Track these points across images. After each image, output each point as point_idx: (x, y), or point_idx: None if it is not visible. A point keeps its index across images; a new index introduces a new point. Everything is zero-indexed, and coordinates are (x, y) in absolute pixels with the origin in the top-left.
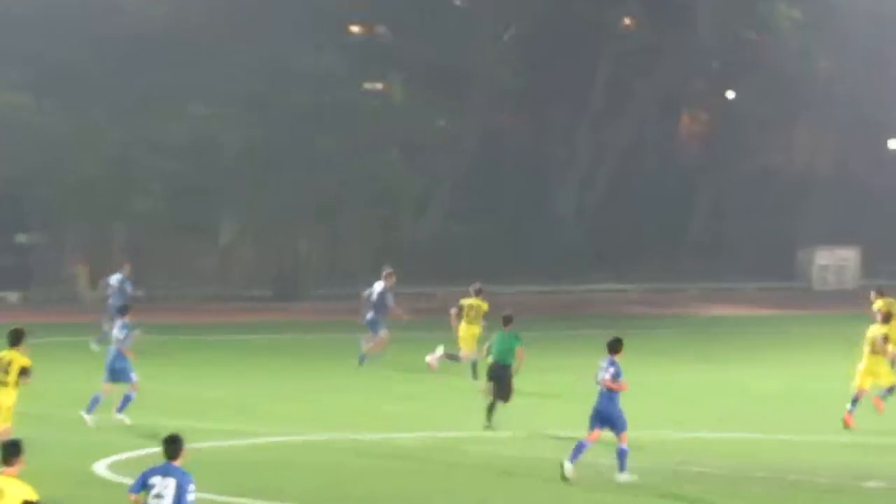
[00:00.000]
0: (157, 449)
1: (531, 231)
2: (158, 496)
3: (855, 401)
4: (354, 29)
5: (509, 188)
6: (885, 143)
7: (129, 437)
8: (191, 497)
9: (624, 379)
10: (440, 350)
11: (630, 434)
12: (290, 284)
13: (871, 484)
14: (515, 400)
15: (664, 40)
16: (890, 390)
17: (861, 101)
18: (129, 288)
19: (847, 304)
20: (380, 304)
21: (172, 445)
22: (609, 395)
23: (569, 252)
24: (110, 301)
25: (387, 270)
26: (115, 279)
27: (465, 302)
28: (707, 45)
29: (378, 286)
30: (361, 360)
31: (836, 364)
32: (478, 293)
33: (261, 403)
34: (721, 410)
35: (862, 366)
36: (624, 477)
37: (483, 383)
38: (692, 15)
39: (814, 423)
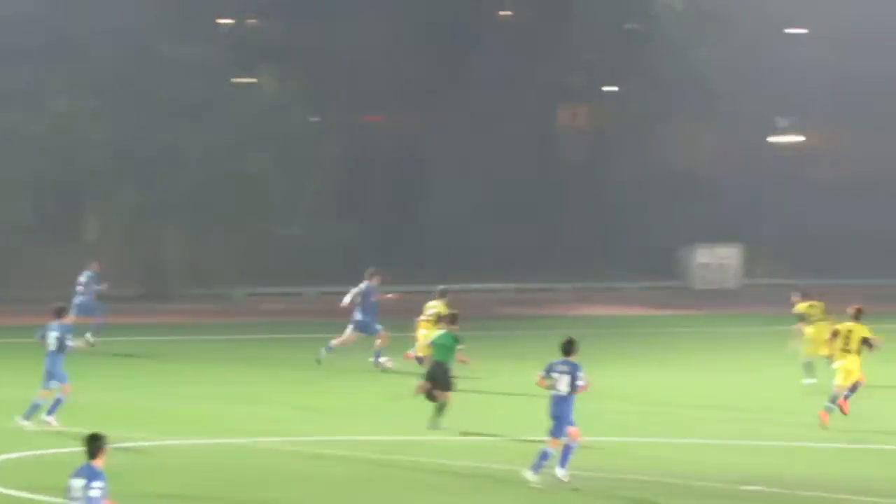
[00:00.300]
0: (29, 453)
1: (404, 229)
2: (74, 498)
3: (854, 389)
4: (225, 21)
5: (382, 185)
6: (766, 139)
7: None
8: (93, 493)
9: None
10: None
11: (502, 441)
12: (158, 284)
13: (749, 487)
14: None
15: (543, 32)
16: (853, 389)
17: (742, 96)
18: (95, 285)
19: (728, 303)
20: (367, 305)
21: (92, 444)
22: (563, 398)
23: (442, 250)
24: (82, 299)
25: (371, 269)
26: (85, 277)
27: (429, 304)
28: (587, 38)
29: (363, 286)
30: (376, 357)
31: (714, 364)
32: (442, 295)
33: (156, 407)
34: (598, 413)
35: (839, 365)
36: (530, 475)
37: (419, 381)
38: (571, 6)
39: (691, 425)
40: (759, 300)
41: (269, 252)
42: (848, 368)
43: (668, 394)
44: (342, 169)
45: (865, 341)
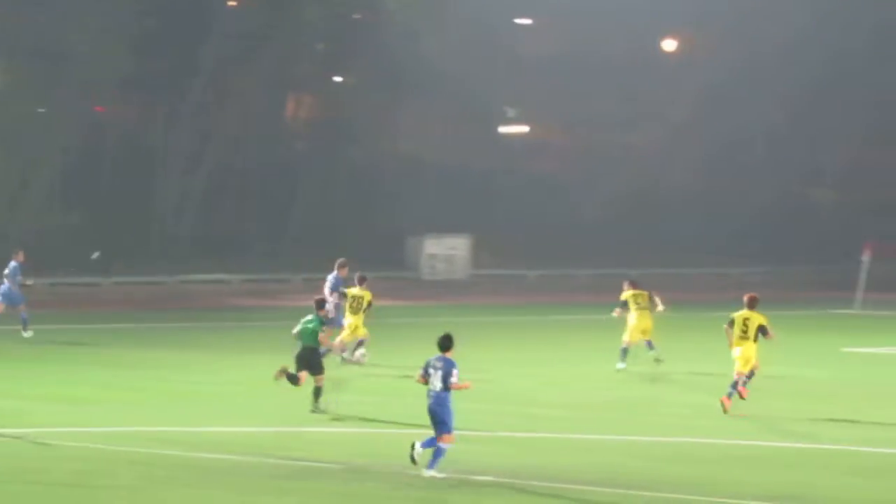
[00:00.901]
0: None
1: (133, 221)
2: None
3: (735, 385)
4: None
5: (111, 176)
6: (496, 129)
7: None
8: None
9: (457, 379)
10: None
11: (220, 431)
12: None
13: (480, 477)
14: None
15: (270, 22)
16: (750, 376)
17: (471, 86)
18: (19, 276)
19: (456, 293)
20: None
21: None
22: (438, 395)
23: (170, 242)
24: (6, 288)
25: (339, 261)
26: (11, 267)
27: (351, 292)
28: (313, 27)
29: (331, 277)
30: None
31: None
32: (361, 282)
33: None
34: (335, 405)
35: (738, 352)
36: (431, 472)
37: (279, 369)
38: None
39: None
40: (487, 290)
41: None
42: (746, 355)
43: (396, 384)
44: (70, 159)
45: (762, 329)
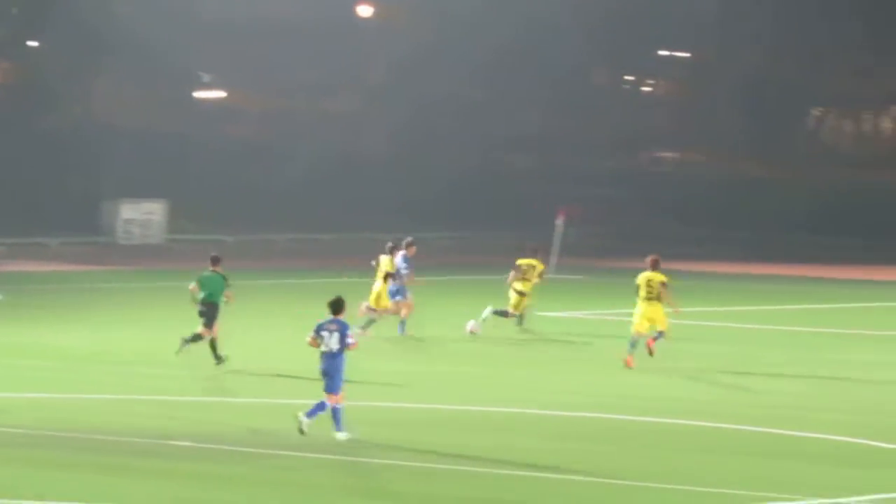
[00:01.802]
0: None
1: None
2: None
3: (634, 344)
4: None
5: None
6: (191, 94)
7: None
8: None
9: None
10: (488, 311)
11: None
12: None
13: (180, 443)
14: None
15: None
16: (661, 334)
17: (166, 50)
18: None
19: (152, 259)
20: (399, 275)
21: None
22: (333, 355)
23: None
24: None
25: (407, 240)
26: None
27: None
28: None
29: (401, 255)
30: (401, 329)
31: (140, 321)
32: (391, 251)
33: None
34: (18, 369)
35: (639, 311)
36: (342, 436)
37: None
38: None
39: (113, 381)
40: (184, 255)
41: None
42: (650, 315)
43: (89, 350)
44: None
45: (662, 285)
